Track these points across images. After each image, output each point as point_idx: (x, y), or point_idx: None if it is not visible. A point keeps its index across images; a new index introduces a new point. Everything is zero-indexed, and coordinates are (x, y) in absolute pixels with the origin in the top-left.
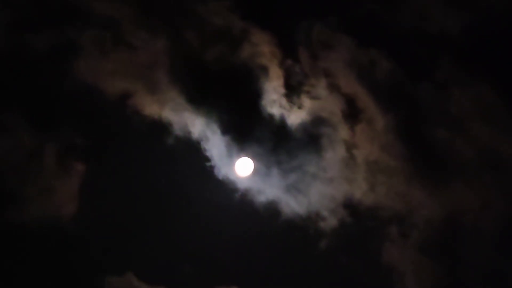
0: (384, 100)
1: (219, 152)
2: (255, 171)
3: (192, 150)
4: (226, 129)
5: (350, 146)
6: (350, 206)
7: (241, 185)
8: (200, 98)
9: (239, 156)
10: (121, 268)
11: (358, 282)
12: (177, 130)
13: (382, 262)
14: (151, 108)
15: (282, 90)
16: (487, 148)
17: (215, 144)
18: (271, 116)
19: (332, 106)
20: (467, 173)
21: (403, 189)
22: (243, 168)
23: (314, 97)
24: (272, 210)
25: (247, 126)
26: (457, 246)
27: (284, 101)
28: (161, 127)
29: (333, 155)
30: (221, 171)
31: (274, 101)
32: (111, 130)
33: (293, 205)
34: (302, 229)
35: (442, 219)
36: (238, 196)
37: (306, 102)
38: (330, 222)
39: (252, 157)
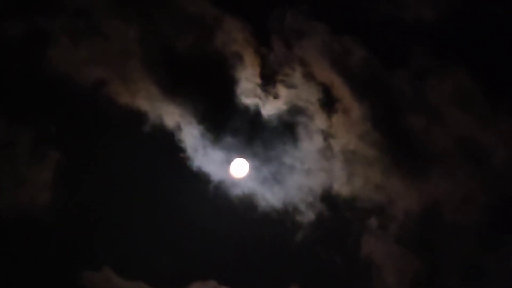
0: (360, 89)
1: (193, 142)
2: (230, 162)
3: (166, 140)
4: (201, 119)
5: (327, 136)
6: (328, 198)
7: (215, 177)
8: (174, 87)
9: (214, 147)
10: (98, 262)
11: (336, 275)
12: (151, 119)
13: (360, 254)
14: (124, 97)
15: (257, 79)
16: (466, 138)
17: (189, 134)
18: (246, 106)
19: (308, 95)
20: (446, 164)
21: (382, 180)
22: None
23: (289, 86)
24: (248, 202)
25: (222, 117)
26: (437, 239)
27: (259, 90)
28: (135, 117)
29: (310, 146)
30: (195, 163)
31: (249, 90)
32: (84, 119)
33: (269, 198)
34: (279, 222)
35: (421, 210)
36: (212, 189)
37: (282, 91)
38: (307, 214)
39: (227, 149)
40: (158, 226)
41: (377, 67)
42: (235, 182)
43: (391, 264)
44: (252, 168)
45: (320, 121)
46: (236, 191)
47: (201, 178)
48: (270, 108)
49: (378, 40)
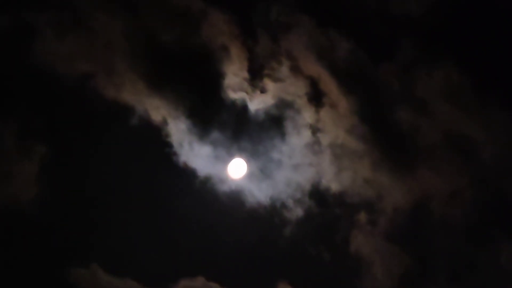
0: (348, 83)
1: (180, 137)
2: (217, 158)
3: (153, 134)
4: (188, 113)
5: (315, 130)
6: (316, 193)
7: (202, 172)
8: (161, 81)
9: (200, 142)
10: (86, 259)
11: (325, 271)
12: (138, 113)
13: (350, 250)
14: (110, 91)
15: (244, 73)
16: (454, 132)
17: (175, 129)
18: (233, 101)
19: (295, 89)
20: (434, 158)
21: (370, 175)
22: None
23: (276, 80)
24: (235, 198)
25: (209, 111)
26: (426, 234)
27: (246, 84)
28: (121, 110)
29: (298, 140)
30: (182, 158)
31: (236, 84)
32: (70, 113)
33: (257, 193)
34: (267, 217)
35: (410, 206)
36: (199, 185)
37: (269, 85)
38: (296, 210)
39: (214, 144)
40: (146, 222)
41: (365, 60)
42: (222, 178)
43: (380, 260)
44: (240, 163)
45: (308, 115)
46: (224, 187)
47: (188, 174)
48: (257, 102)
49: (365, 33)
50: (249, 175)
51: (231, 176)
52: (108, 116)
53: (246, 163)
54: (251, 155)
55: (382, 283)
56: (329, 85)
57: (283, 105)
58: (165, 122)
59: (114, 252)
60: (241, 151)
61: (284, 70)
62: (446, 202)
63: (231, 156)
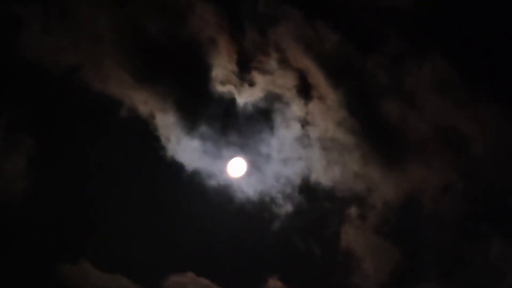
0: (336, 75)
1: (167, 131)
2: (205, 152)
3: (140, 128)
4: (175, 107)
5: (304, 124)
6: (306, 187)
7: (189, 167)
8: (148, 74)
9: (188, 136)
10: (75, 255)
11: (315, 266)
12: (125, 106)
13: (340, 245)
14: (97, 83)
15: (232, 66)
16: (445, 125)
17: (163, 122)
18: (221, 94)
19: (284, 82)
20: (425, 151)
21: (360, 168)
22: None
23: (265, 73)
24: (224, 193)
25: (197, 105)
26: (416, 229)
27: (234, 77)
28: (109, 103)
29: (288, 134)
30: (170, 152)
31: (224, 77)
32: (57, 106)
33: (246, 188)
34: (256, 212)
35: (401, 200)
36: (187, 179)
37: (258, 78)
38: (285, 205)
39: (202, 137)
40: (136, 218)
41: (353, 53)
42: (211, 172)
43: (370, 255)
44: (229, 158)
45: (297, 108)
46: (212, 182)
47: (175, 168)
48: (245, 96)
49: (353, 25)
50: (238, 170)
51: (219, 170)
52: (95, 109)
53: (235, 157)
54: (240, 149)
55: (373, 278)
56: (317, 78)
57: (272, 98)
58: (152, 115)
59: (104, 247)
60: (230, 145)
61: (272, 62)
62: (437, 196)
63: (219, 150)
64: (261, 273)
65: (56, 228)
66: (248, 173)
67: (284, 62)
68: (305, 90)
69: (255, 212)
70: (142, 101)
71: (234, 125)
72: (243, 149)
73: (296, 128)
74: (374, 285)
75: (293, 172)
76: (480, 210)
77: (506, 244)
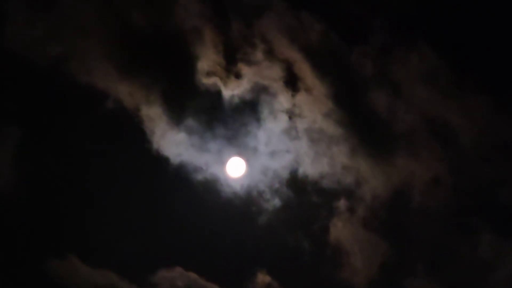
0: (322, 66)
1: (152, 124)
2: (192, 145)
3: (126, 119)
4: (161, 99)
5: (292, 115)
6: (294, 180)
7: (175, 161)
8: (134, 66)
9: (174, 129)
10: (63, 250)
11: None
12: (110, 98)
13: (329, 238)
14: (83, 75)
15: (218, 57)
16: (433, 116)
17: (149, 115)
18: (207, 86)
19: (271, 73)
20: (413, 143)
21: (349, 161)
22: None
23: (251, 64)
24: (211, 186)
25: (182, 97)
26: (405, 222)
27: (220, 69)
28: (94, 95)
29: (275, 126)
30: (154, 145)
31: (210, 69)
32: (43, 98)
33: (232, 181)
34: (244, 206)
35: (389, 193)
36: (173, 172)
37: (244, 69)
38: (273, 198)
39: (188, 130)
40: (124, 213)
41: (339, 43)
42: (197, 166)
43: (359, 249)
44: (215, 151)
45: (284, 99)
46: (198, 175)
47: (161, 161)
48: (232, 87)
49: (339, 15)
50: (225, 163)
51: (206, 164)
52: (81, 101)
53: (222, 150)
54: (227, 142)
55: (361, 272)
56: (304, 69)
57: (259, 90)
58: (138, 107)
59: (92, 243)
60: (217, 138)
61: (258, 54)
62: (426, 189)
63: (206, 143)
64: (250, 267)
65: (43, 223)
66: (235, 167)
67: (270, 53)
68: (292, 82)
69: (243, 206)
70: (128, 94)
71: (220, 118)
72: (230, 142)
73: (283, 120)
74: (363, 279)
75: (281, 164)
76: (469, 203)
77: (495, 239)
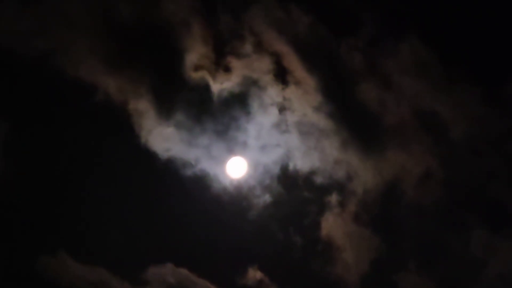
0: (311, 59)
1: (141, 119)
2: (181, 140)
3: (113, 113)
4: (149, 93)
5: (282, 109)
6: (285, 175)
7: (164, 156)
8: (121, 59)
9: (162, 125)
10: (53, 246)
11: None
12: (98, 92)
13: (320, 233)
14: (70, 69)
15: (207, 51)
16: (423, 109)
17: (136, 109)
18: (196, 79)
19: (260, 66)
20: (404, 136)
21: (340, 155)
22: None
23: (240, 57)
24: (200, 182)
25: (171, 91)
26: (397, 218)
27: (209, 62)
28: (82, 89)
29: (265, 120)
30: (142, 139)
31: (199, 62)
32: (30, 91)
33: (222, 177)
34: (234, 201)
35: (381, 187)
36: (161, 167)
37: (233, 62)
38: (264, 193)
39: (177, 125)
40: (113, 209)
41: (328, 36)
42: (186, 161)
43: (351, 244)
44: (204, 145)
45: (274, 93)
46: (188, 172)
47: (149, 156)
48: (221, 81)
49: (327, 7)
50: (216, 158)
51: (195, 159)
52: (68, 95)
53: (212, 145)
54: (217, 137)
55: (353, 267)
56: (293, 61)
57: (248, 83)
58: (125, 101)
59: (82, 239)
60: (206, 133)
61: (247, 46)
62: (417, 184)
63: (195, 138)
64: (241, 263)
65: (33, 219)
66: (226, 162)
67: (259, 46)
68: (281, 75)
69: (234, 202)
70: (115, 87)
71: (209, 112)
72: (220, 137)
73: (273, 114)
74: (354, 274)
75: (272, 159)
76: (460, 198)
77: (486, 234)
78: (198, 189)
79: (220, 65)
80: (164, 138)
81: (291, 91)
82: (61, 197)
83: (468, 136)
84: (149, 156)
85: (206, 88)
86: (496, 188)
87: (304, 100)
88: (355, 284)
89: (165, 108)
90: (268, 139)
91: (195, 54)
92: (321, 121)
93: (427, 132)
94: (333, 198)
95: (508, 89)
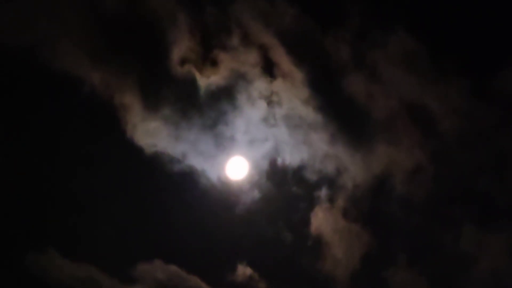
0: (298, 51)
1: (127, 113)
2: (168, 135)
3: (100, 106)
4: (135, 87)
5: (270, 103)
6: (274, 169)
7: (150, 151)
8: (107, 53)
9: (149, 119)
10: (42, 243)
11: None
12: (84, 86)
13: (310, 229)
14: (56, 62)
15: (194, 44)
16: (412, 102)
17: (124, 102)
18: (182, 73)
19: (247, 59)
20: (393, 130)
21: (329, 149)
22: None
23: (227, 50)
24: (188, 178)
25: (157, 85)
26: (387, 213)
27: (196, 55)
28: (67, 83)
29: (253, 114)
30: (128, 133)
31: (185, 55)
32: (14, 86)
33: (210, 172)
34: (223, 197)
35: (371, 182)
36: (149, 162)
37: (220, 56)
38: (253, 189)
39: (164, 120)
40: (101, 205)
41: (314, 27)
42: (173, 157)
43: (340, 239)
44: (191, 140)
45: (262, 86)
46: (175, 168)
47: (135, 150)
48: (208, 74)
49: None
50: (203, 153)
51: (182, 154)
52: (53, 89)
53: (199, 140)
54: (203, 131)
55: (343, 263)
56: (280, 54)
57: (236, 77)
58: (111, 96)
59: (71, 236)
60: (193, 127)
61: (234, 39)
62: (407, 178)
63: (182, 132)
64: (231, 259)
65: (21, 216)
66: (214, 157)
67: (246, 38)
68: (269, 68)
69: (222, 197)
70: (101, 81)
71: (196, 106)
72: (208, 131)
73: (262, 107)
74: (344, 270)
75: (261, 153)
76: (450, 192)
77: (476, 229)
78: (186, 185)
79: (207, 59)
80: (152, 133)
81: (279, 84)
82: (48, 194)
83: (457, 129)
84: (135, 151)
85: (193, 81)
86: (486, 183)
87: (292, 94)
88: (345, 280)
89: (152, 102)
90: (257, 133)
91: (182, 47)
92: (310, 114)
93: (416, 125)
94: (323, 193)
95: (497, 82)
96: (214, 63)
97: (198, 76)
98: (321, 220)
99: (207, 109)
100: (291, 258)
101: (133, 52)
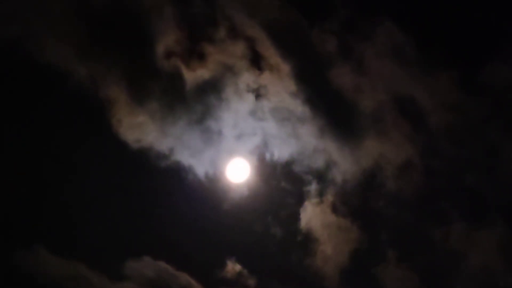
0: (285, 44)
1: (113, 106)
2: (155, 129)
3: (86, 99)
4: (121, 81)
5: (258, 96)
6: (263, 164)
7: (135, 146)
8: (92, 46)
9: (136, 114)
10: (30, 240)
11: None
12: (70, 78)
13: (299, 224)
14: (43, 55)
15: (180, 36)
16: (401, 96)
17: (112, 95)
18: (168, 66)
19: (235, 51)
20: (382, 124)
21: (317, 143)
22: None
23: (214, 43)
24: (175, 173)
25: (143, 78)
26: (376, 208)
27: (182, 48)
28: (52, 76)
29: (241, 107)
30: (114, 127)
31: (171, 49)
32: (2, 75)
33: (197, 167)
34: (210, 193)
35: (360, 177)
36: (135, 157)
37: (207, 49)
38: (242, 184)
39: (151, 114)
40: (88, 201)
41: (300, 19)
42: (160, 152)
43: (330, 235)
44: (178, 135)
45: (249, 79)
46: (162, 163)
47: (120, 145)
48: (194, 67)
49: None
50: (191, 148)
51: (169, 149)
52: (39, 82)
53: (185, 135)
54: (189, 126)
55: (332, 259)
56: (266, 47)
57: (223, 70)
58: (96, 89)
59: (59, 232)
60: (180, 122)
61: (221, 32)
62: (396, 173)
63: (168, 127)
64: (220, 256)
65: (7, 213)
66: (201, 152)
67: (233, 31)
68: (256, 61)
69: (210, 193)
70: (86, 74)
71: (183, 100)
72: (194, 125)
73: (249, 101)
74: (334, 266)
75: (249, 148)
76: (440, 188)
77: (467, 225)
78: (174, 180)
79: (194, 52)
80: (137, 128)
81: (266, 77)
82: (35, 190)
83: (446, 123)
84: (121, 146)
85: (179, 75)
86: (475, 178)
87: (279, 87)
88: (334, 275)
89: (138, 96)
90: (245, 127)
91: (168, 40)
92: (298, 107)
93: (405, 118)
94: (312, 188)
95: (486, 75)
96: (201, 56)
97: (184, 69)
98: (311, 215)
99: (194, 103)
100: (280, 254)
101: (119, 45)
